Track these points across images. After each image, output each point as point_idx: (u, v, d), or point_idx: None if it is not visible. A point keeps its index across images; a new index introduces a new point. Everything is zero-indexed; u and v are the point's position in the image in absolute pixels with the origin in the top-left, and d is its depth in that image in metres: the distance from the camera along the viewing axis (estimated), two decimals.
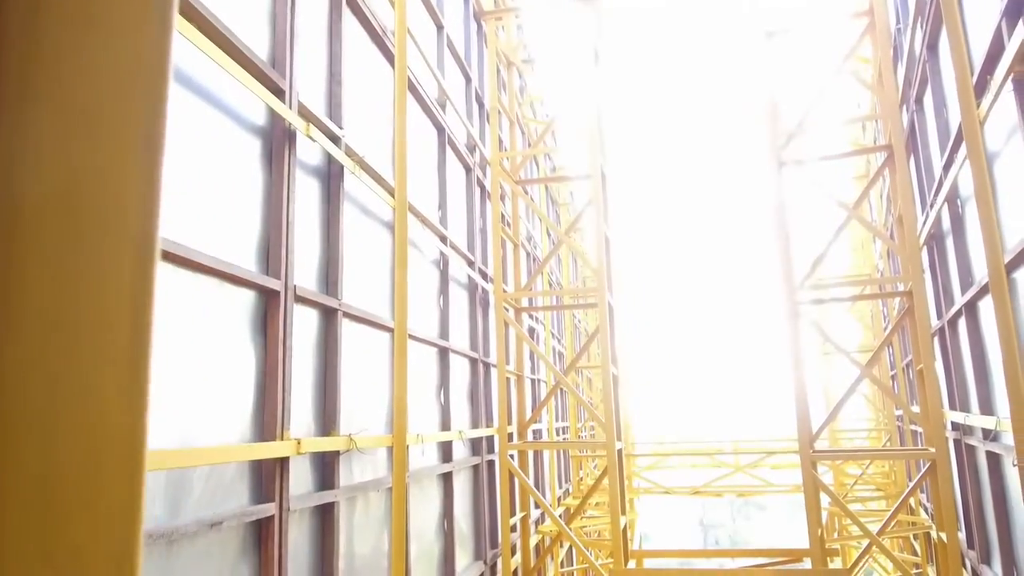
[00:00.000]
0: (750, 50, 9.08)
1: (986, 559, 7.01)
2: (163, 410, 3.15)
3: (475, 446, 8.48)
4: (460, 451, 7.83)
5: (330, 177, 4.92)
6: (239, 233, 3.86)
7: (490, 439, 9.05)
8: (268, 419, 3.90)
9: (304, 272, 4.49)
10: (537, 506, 11.95)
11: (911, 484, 7.92)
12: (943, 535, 8.08)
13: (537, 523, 11.87)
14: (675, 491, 15.75)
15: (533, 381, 12.77)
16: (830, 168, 17.00)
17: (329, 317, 4.76)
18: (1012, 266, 4.55)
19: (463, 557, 7.64)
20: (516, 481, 9.57)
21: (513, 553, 9.58)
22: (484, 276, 9.32)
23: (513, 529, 9.84)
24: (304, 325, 4.45)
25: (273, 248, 4.08)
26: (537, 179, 9.78)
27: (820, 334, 8.68)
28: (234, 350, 3.74)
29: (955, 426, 7.89)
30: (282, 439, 3.92)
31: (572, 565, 14.00)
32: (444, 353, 7.34)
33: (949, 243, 7.18)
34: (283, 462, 3.95)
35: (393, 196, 5.63)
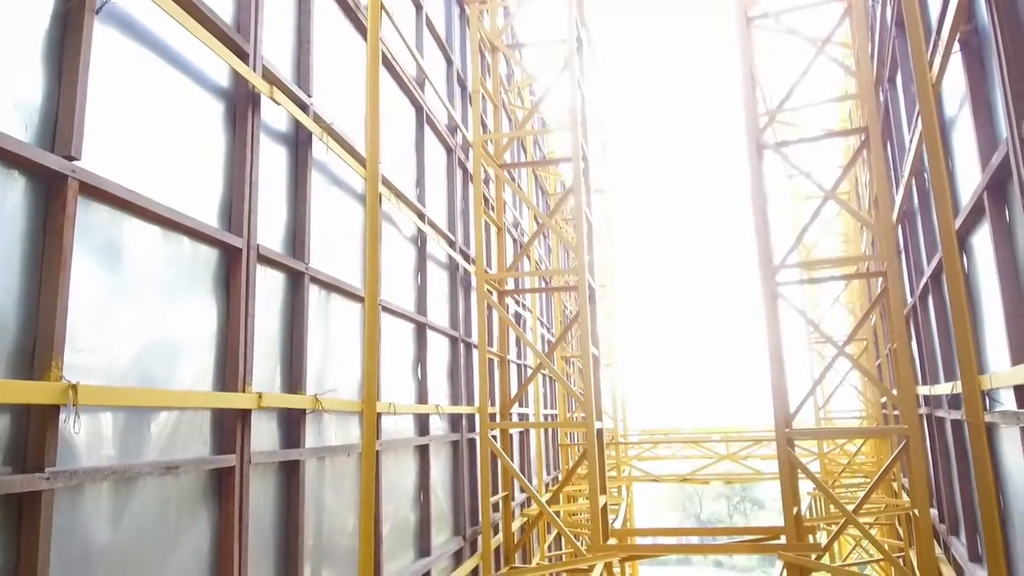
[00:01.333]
0: (732, 35, 9.16)
1: (954, 530, 7.10)
2: (123, 351, 3.24)
3: (455, 424, 8.57)
4: (438, 426, 7.91)
5: (298, 143, 5.01)
6: (202, 191, 3.95)
7: (471, 418, 9.13)
8: (230, 372, 3.99)
9: (270, 234, 4.58)
10: (522, 490, 12.04)
11: (888, 461, 8.01)
12: (916, 511, 8.17)
13: (522, 507, 11.96)
14: (664, 479, 15.84)
15: (520, 367, 12.86)
16: (817, 157, 17.09)
17: (296, 280, 4.84)
18: (965, 230, 4.63)
19: (441, 531, 7.73)
20: (499, 463, 9.66)
21: (495, 533, 9.66)
22: (466, 258, 9.40)
23: (495, 509, 9.92)
24: (269, 286, 4.54)
25: (236, 206, 4.17)
26: (520, 163, 9.85)
27: (801, 316, 8.76)
28: (196, 304, 3.83)
29: (927, 401, 7.98)
30: (243, 392, 4.01)
31: (560, 549, 14.09)
32: (421, 328, 7.42)
33: (918, 219, 7.26)
34: (244, 415, 4.03)
35: (364, 166, 5.72)
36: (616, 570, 15.50)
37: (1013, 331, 3.65)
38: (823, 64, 8.88)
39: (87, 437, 3.02)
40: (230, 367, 3.99)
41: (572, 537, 8.52)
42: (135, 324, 3.36)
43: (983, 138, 3.84)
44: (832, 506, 13.42)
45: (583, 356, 8.83)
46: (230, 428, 3.96)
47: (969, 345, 3.98)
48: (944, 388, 6.06)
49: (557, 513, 13.09)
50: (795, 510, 8.24)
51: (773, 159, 8.03)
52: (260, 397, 4.10)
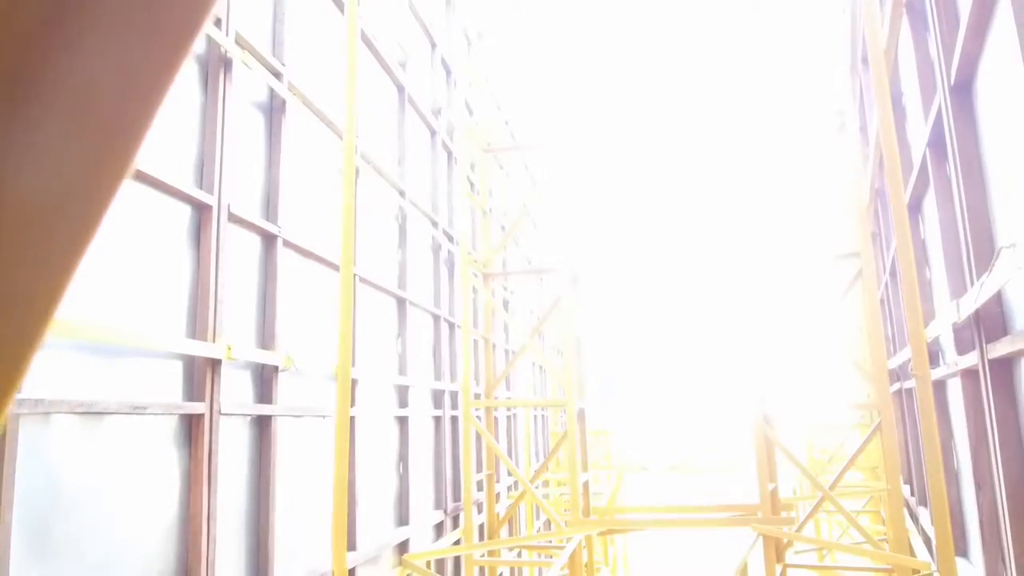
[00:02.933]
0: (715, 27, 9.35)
1: (923, 501, 7.23)
2: (92, 293, 3.38)
3: (437, 399, 8.70)
4: (419, 400, 8.05)
5: (272, 111, 5.15)
6: (174, 149, 4.09)
7: (455, 396, 9.27)
8: (200, 323, 4.13)
9: (244, 197, 4.72)
10: (510, 474, 12.17)
11: (865, 438, 8.18)
12: (889, 487, 8.32)
13: (509, 489, 12.10)
14: (652, 470, 16.03)
15: (507, 352, 12.99)
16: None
17: (268, 243, 4.99)
18: (917, 194, 4.77)
19: (421, 502, 7.87)
20: (483, 442, 9.80)
21: (479, 511, 9.80)
22: (450, 239, 9.54)
23: (479, 488, 10.06)
24: (242, 246, 4.68)
25: (207, 166, 4.31)
26: (504, 147, 9.97)
27: (775, 295, 8.91)
28: (167, 257, 3.97)
29: (897, 376, 8.11)
30: (213, 342, 4.15)
31: (549, 532, 14.21)
32: (402, 303, 7.56)
33: (887, 196, 7.42)
34: (215, 365, 4.18)
35: (341, 137, 5.87)
36: (603, 552, 15.59)
37: (951, 273, 3.79)
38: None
39: (55, 370, 3.16)
40: (200, 318, 4.13)
41: (553, 513, 8.66)
42: (105, 271, 3.50)
43: (926, 93, 3.98)
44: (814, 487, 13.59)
45: (565, 336, 8.98)
46: (200, 377, 4.10)
47: (915, 291, 4.11)
48: (906, 354, 6.20)
49: (545, 497, 13.25)
50: (771, 487, 8.38)
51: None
52: (230, 349, 4.24)
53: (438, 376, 8.74)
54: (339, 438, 5.29)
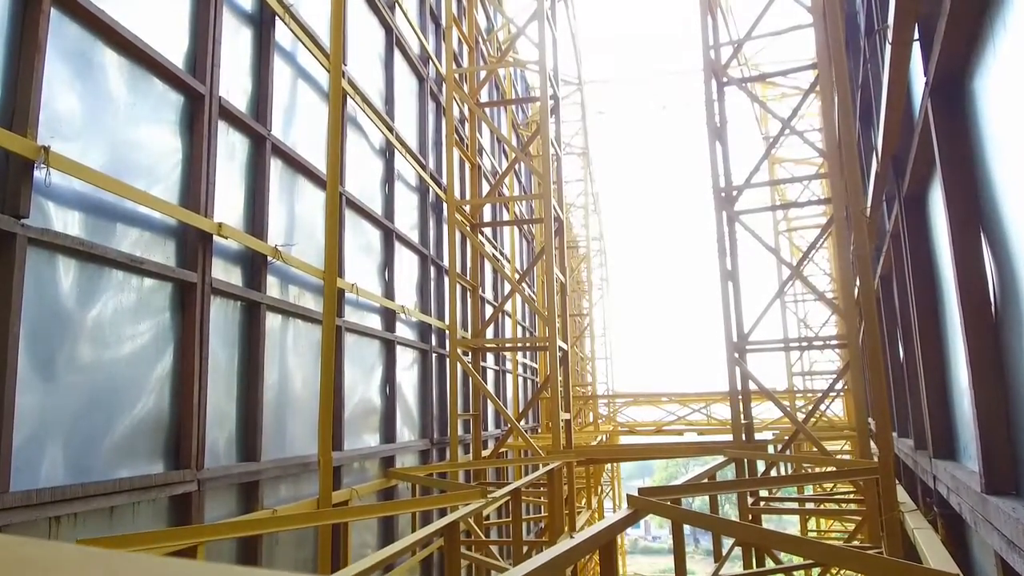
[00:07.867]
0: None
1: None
2: (94, 150, 3.72)
3: (424, 334, 9.03)
4: (406, 332, 8.38)
5: (262, 22, 5.49)
6: (168, 43, 4.42)
7: (441, 335, 9.61)
8: (192, 199, 4.47)
9: (235, 97, 5.06)
10: (498, 425, 12.51)
11: (839, 370, 8.52)
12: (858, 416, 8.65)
13: (497, 439, 12.44)
14: (639, 431, 16.41)
15: (495, 308, 13.33)
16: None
17: (258, 145, 5.32)
18: (864, 101, 5.10)
19: (407, 428, 8.20)
20: (470, 381, 10.14)
21: (465, 452, 10.14)
22: (438, 184, 9.88)
23: (466, 430, 10.40)
24: (233, 142, 5.02)
25: (199, 59, 4.65)
26: (494, 102, 10.31)
27: (760, 243, 9.23)
28: (162, 136, 4.31)
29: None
30: (205, 217, 4.49)
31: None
32: (388, 235, 7.90)
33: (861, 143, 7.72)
34: (206, 239, 4.51)
35: (329, 59, 6.20)
36: (586, 500, 15.81)
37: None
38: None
39: (61, 210, 3.49)
40: (192, 195, 4.47)
41: (534, 446, 9.01)
42: (106, 134, 3.84)
43: None
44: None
45: (547, 278, 9.32)
46: (192, 248, 4.44)
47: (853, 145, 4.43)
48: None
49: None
50: (740, 418, 8.73)
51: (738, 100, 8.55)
52: (220, 227, 4.58)
53: (424, 313, 9.08)
54: (325, 351, 5.63)
